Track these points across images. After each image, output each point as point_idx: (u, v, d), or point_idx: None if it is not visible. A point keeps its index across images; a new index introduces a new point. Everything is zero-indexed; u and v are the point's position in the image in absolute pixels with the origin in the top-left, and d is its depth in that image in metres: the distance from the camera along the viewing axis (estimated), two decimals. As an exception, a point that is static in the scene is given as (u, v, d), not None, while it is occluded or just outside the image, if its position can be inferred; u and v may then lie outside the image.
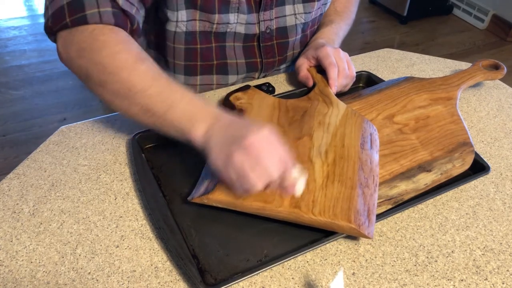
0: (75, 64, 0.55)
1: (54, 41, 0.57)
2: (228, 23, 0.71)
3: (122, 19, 0.57)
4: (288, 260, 0.50)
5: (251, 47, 0.77)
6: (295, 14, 0.77)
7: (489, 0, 2.68)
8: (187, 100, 0.52)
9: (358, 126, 0.61)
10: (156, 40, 0.80)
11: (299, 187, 0.48)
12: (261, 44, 0.77)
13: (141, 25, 0.63)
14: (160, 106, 0.51)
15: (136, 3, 0.60)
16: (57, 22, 0.54)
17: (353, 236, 0.52)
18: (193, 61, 0.76)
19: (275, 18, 0.75)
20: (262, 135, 0.46)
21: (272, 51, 0.80)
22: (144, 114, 0.53)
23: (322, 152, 0.56)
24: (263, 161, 0.45)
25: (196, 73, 0.79)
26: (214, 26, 0.71)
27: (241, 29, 0.73)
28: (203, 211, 0.54)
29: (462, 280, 0.49)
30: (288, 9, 0.76)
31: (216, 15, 0.69)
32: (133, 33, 0.60)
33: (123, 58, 0.53)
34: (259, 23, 0.74)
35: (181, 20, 0.69)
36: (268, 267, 0.48)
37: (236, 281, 0.47)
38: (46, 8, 0.56)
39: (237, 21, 0.72)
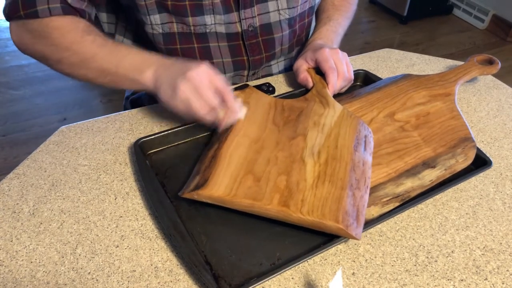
0: (30, 49, 0.65)
1: (9, 22, 0.66)
2: (205, 24, 0.71)
3: (71, 11, 0.63)
4: (303, 262, 0.50)
5: (236, 45, 0.77)
6: (278, 10, 0.76)
7: (489, 0, 2.68)
8: (132, 54, 0.61)
9: (353, 127, 0.61)
10: (139, 40, 0.81)
11: (242, 112, 0.60)
12: (246, 42, 0.76)
13: (93, 17, 0.69)
14: (111, 64, 0.61)
15: (86, 1, 0.66)
16: (12, 13, 0.62)
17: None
18: None
19: (258, 15, 0.74)
20: (201, 69, 0.55)
21: (258, 48, 0.79)
22: (100, 76, 0.63)
23: (315, 152, 0.56)
24: (203, 90, 0.54)
25: None
26: (192, 28, 0.71)
27: (221, 29, 0.73)
28: (212, 215, 0.54)
29: (462, 280, 0.49)
30: (271, 5, 0.74)
31: (190, 18, 0.69)
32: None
33: (71, 36, 0.62)
34: (240, 21, 0.73)
35: (155, 23, 0.70)
36: (283, 271, 0.48)
37: (253, 286, 0.46)
38: None
39: (214, 22, 0.71)
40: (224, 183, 0.52)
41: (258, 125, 0.61)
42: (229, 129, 0.60)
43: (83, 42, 0.61)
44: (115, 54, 0.61)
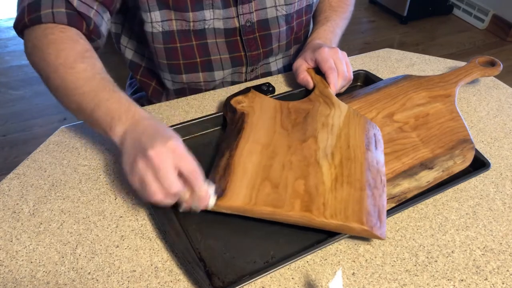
0: (30, 59, 0.61)
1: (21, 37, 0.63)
2: (205, 19, 0.71)
3: (76, 19, 0.60)
4: (296, 260, 0.50)
5: (234, 41, 0.77)
6: (275, 6, 0.76)
7: (489, 0, 2.68)
8: (113, 100, 0.53)
9: (361, 126, 0.61)
10: (142, 42, 0.81)
11: (212, 200, 0.50)
12: (243, 38, 0.77)
13: (103, 27, 0.65)
14: (88, 104, 0.54)
15: (95, 5, 0.62)
16: (19, 22, 0.60)
17: (353, 236, 0.52)
18: (175, 60, 0.76)
19: (255, 10, 0.75)
20: (165, 148, 0.46)
21: (255, 44, 0.79)
22: (77, 111, 0.57)
23: (328, 154, 0.56)
24: (164, 173, 0.45)
25: (180, 71, 0.79)
26: (191, 24, 0.71)
27: (219, 25, 0.73)
28: (208, 214, 0.54)
29: (462, 280, 0.49)
30: (269, 1, 0.75)
31: (190, 13, 0.70)
32: (90, 33, 0.62)
33: (64, 56, 0.56)
34: (238, 16, 0.74)
35: (155, 20, 0.70)
36: (276, 269, 0.48)
37: (245, 283, 0.46)
38: (17, 10, 0.62)
39: (213, 17, 0.72)
40: (242, 192, 0.51)
41: (266, 130, 0.61)
42: (238, 137, 0.60)
43: (72, 69, 0.55)
44: (95, 95, 0.54)
